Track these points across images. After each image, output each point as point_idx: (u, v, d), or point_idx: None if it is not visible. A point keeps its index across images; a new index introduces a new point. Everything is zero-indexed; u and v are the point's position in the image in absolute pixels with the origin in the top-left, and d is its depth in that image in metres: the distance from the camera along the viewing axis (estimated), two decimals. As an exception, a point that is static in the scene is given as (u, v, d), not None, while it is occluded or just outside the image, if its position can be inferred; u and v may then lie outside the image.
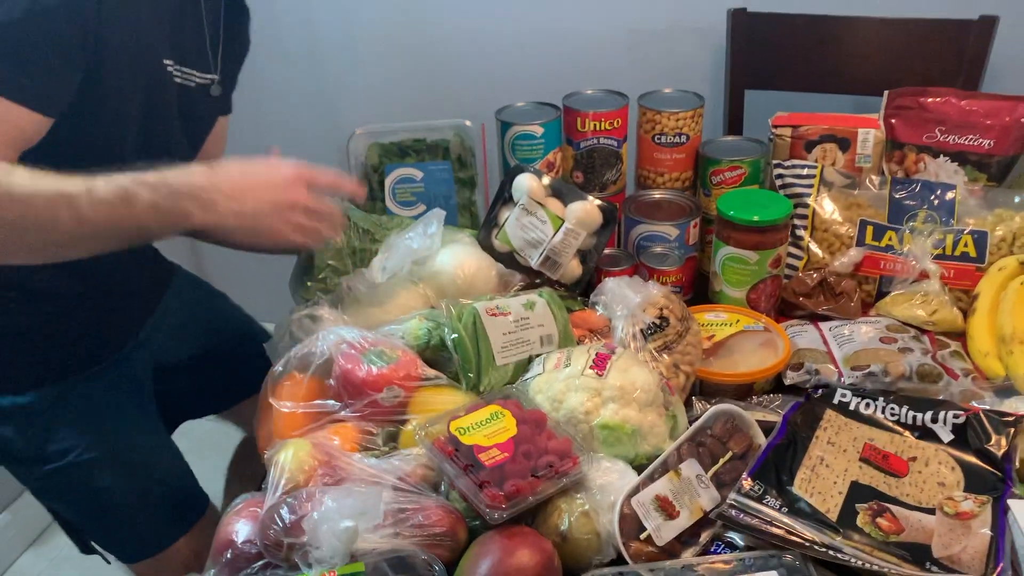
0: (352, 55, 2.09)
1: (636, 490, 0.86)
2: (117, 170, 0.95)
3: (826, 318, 1.20)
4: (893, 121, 1.32)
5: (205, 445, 1.58)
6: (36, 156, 0.95)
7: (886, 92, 1.32)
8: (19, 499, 2.06)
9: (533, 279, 1.20)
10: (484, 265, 1.15)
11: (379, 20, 2.09)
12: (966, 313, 1.17)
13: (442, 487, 0.89)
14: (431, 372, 0.98)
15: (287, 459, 0.86)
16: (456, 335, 0.99)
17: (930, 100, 1.29)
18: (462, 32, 2.09)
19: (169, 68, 1.10)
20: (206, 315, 1.47)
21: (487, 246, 1.21)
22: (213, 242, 1.05)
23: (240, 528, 0.84)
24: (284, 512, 0.79)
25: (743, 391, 1.08)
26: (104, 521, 1.26)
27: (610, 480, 0.87)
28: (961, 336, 1.15)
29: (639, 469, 0.89)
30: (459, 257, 1.13)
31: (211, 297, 1.52)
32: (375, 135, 1.34)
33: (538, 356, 1.03)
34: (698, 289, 1.31)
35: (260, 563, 0.81)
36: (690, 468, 0.90)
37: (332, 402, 0.97)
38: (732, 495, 0.87)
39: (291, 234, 1.02)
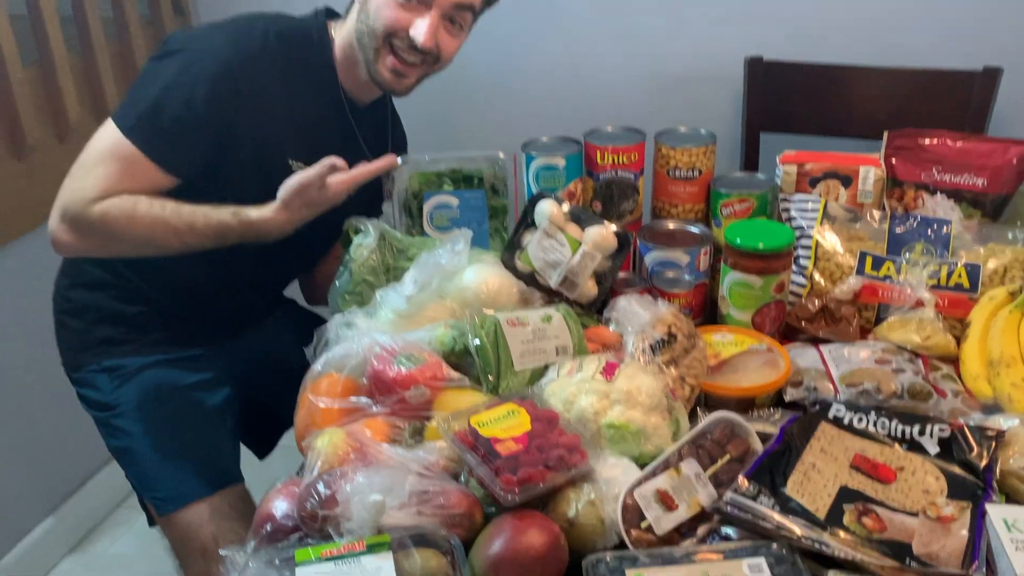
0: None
1: (639, 483, 0.94)
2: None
3: (827, 341, 1.27)
4: (893, 160, 1.41)
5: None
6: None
7: (886, 133, 1.41)
8: (62, 506, 2.17)
9: (552, 298, 1.29)
10: (507, 283, 1.24)
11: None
12: (959, 340, 1.24)
13: (462, 477, 0.98)
14: (455, 374, 1.08)
15: (323, 444, 0.96)
16: (479, 341, 1.08)
17: (927, 141, 1.38)
18: (498, 72, 2.22)
19: (295, 167, 1.35)
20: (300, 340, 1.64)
21: (511, 267, 1.30)
22: None
23: (279, 505, 0.93)
24: (320, 487, 0.88)
25: (745, 405, 1.16)
26: (138, 469, 1.46)
27: (615, 474, 0.95)
28: (954, 361, 1.22)
29: (643, 467, 0.97)
30: (484, 274, 1.23)
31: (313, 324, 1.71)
32: (417, 164, 1.46)
33: (553, 364, 1.11)
34: (709, 314, 1.39)
35: (297, 535, 0.90)
36: (690, 467, 0.98)
37: (365, 399, 1.06)
38: (729, 493, 0.95)
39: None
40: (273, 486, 0.97)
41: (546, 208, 1.29)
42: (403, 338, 1.10)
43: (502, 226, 1.47)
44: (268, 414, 1.62)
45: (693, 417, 1.12)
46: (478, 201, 1.44)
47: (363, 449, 0.95)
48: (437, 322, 1.16)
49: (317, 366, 1.10)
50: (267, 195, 1.32)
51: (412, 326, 1.18)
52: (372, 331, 1.12)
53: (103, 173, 1.27)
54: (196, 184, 1.33)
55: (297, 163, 1.36)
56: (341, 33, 1.40)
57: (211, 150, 1.32)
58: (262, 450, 1.72)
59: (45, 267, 1.94)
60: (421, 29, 1.31)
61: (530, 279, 1.30)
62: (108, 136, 1.28)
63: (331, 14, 1.44)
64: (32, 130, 1.88)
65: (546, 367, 1.11)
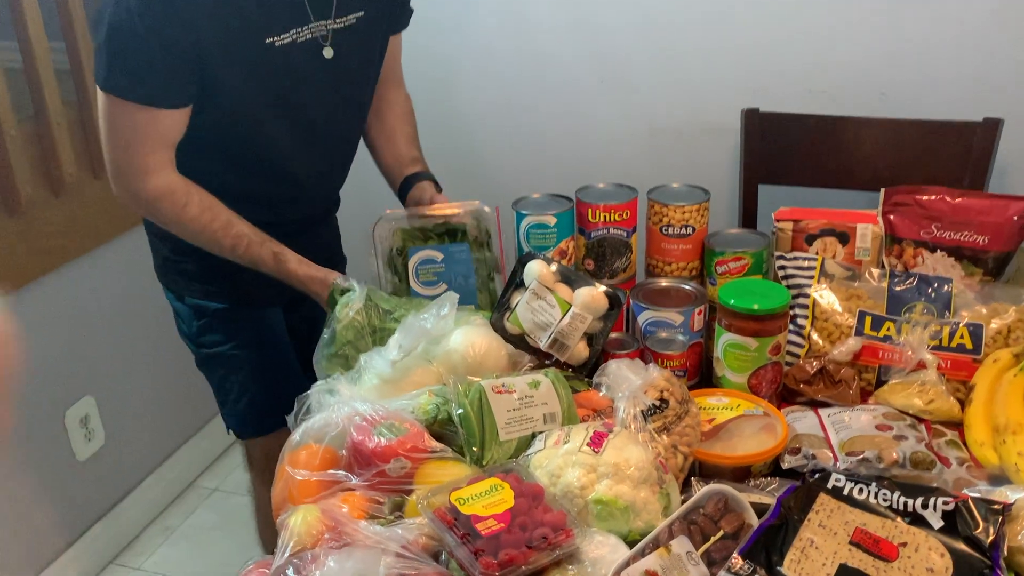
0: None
1: (626, 564, 0.90)
2: (261, 138, 1.41)
3: (826, 405, 1.23)
4: (891, 217, 1.38)
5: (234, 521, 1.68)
6: (193, 141, 1.35)
7: (883, 189, 1.38)
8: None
9: (542, 360, 1.25)
10: (495, 345, 1.21)
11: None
12: (963, 403, 1.19)
13: (442, 556, 0.94)
14: (437, 445, 1.04)
15: (297, 523, 0.92)
16: (462, 410, 1.05)
17: (925, 198, 1.35)
18: (489, 128, 2.22)
19: (278, 42, 1.33)
20: None
21: (500, 329, 1.27)
22: None
23: (249, 587, 0.89)
24: (290, 572, 0.84)
25: (741, 473, 1.12)
26: (225, 398, 1.67)
27: (602, 554, 0.91)
28: (959, 426, 1.18)
29: (632, 545, 0.93)
30: (471, 337, 1.20)
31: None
32: (400, 220, 1.44)
33: (541, 433, 1.08)
34: (704, 375, 1.35)
35: (265, 622, 0.86)
36: (680, 545, 0.93)
37: (343, 472, 1.03)
38: (722, 573, 0.91)
39: None
40: (244, 567, 0.93)
41: (535, 268, 1.26)
42: (384, 407, 1.07)
43: (488, 279, 1.45)
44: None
45: (687, 486, 1.07)
46: (463, 255, 1.42)
47: (338, 528, 0.91)
48: (422, 388, 1.13)
49: (296, 436, 1.06)
50: (258, 79, 1.35)
51: (397, 392, 1.15)
52: (354, 399, 1.09)
53: (126, 138, 1.31)
54: (215, 101, 1.33)
55: (277, 38, 1.33)
56: None
57: (186, 67, 1.28)
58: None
59: (41, 320, 1.92)
60: None
61: (519, 341, 1.26)
62: (101, 100, 1.31)
63: None
64: (25, 186, 1.87)
65: (533, 436, 1.08)
